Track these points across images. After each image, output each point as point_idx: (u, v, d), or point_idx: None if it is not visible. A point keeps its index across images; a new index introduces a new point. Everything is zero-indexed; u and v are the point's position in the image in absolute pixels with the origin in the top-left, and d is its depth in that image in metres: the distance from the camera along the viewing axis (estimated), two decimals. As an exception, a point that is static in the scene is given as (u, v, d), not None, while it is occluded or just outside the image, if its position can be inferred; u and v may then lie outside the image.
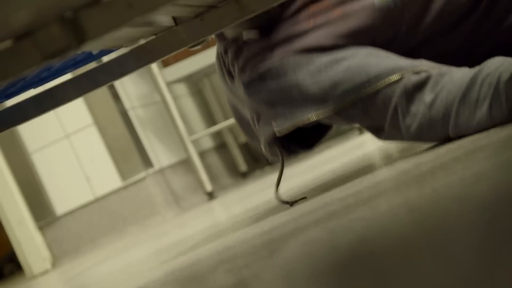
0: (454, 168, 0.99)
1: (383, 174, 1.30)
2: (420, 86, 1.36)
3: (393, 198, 1.02)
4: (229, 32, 1.53)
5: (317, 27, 1.49)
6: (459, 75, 1.33)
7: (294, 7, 1.52)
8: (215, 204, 3.40)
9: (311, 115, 1.43)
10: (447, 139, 1.36)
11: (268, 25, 1.52)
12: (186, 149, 3.83)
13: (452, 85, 1.32)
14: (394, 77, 1.38)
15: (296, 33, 1.50)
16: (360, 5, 1.48)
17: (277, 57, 1.49)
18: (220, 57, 1.62)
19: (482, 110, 1.27)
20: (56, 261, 3.90)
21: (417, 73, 1.37)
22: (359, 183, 1.33)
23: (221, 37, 1.59)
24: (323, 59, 1.45)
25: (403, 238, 0.78)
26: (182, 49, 1.27)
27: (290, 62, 1.47)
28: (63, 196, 3.89)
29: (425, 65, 1.39)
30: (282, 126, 1.46)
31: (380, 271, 0.68)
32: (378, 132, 1.46)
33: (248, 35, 1.52)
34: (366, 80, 1.39)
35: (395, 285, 0.61)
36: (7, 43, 0.85)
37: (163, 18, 1.12)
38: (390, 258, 0.71)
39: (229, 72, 1.59)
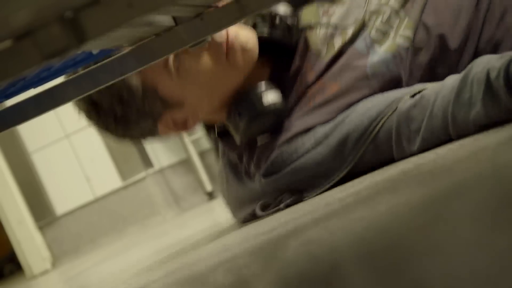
0: (455, 168, 0.99)
1: (383, 174, 1.30)
2: (415, 104, 1.37)
3: (393, 198, 1.02)
4: (240, 138, 1.57)
5: (316, 107, 1.52)
6: (451, 80, 1.34)
7: (292, 99, 1.56)
8: (215, 204, 3.40)
9: (335, 178, 1.44)
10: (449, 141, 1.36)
11: (277, 126, 1.54)
12: (186, 149, 3.82)
13: (446, 90, 1.33)
14: (392, 108, 1.39)
15: (299, 117, 1.53)
16: (354, 76, 1.51)
17: (284, 142, 1.52)
18: (234, 167, 1.64)
19: (476, 109, 1.28)
20: (56, 261, 3.90)
21: (412, 96, 1.39)
22: (359, 183, 1.33)
23: (233, 146, 1.63)
24: (326, 127, 1.47)
25: (403, 238, 0.78)
26: (182, 49, 1.27)
27: (298, 140, 1.49)
28: (63, 196, 3.89)
29: (419, 87, 1.41)
30: (312, 195, 1.47)
31: (380, 271, 0.68)
32: None
33: (262, 139, 1.56)
34: (369, 123, 1.40)
35: (395, 285, 0.61)
36: (7, 43, 0.85)
37: (163, 17, 1.12)
38: (390, 258, 0.71)
39: (247, 173, 1.61)
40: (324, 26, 1.58)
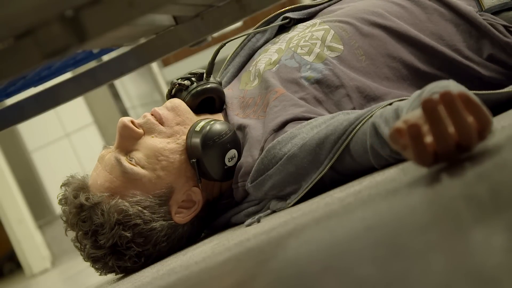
0: (455, 168, 0.99)
1: (383, 174, 1.30)
2: (381, 115, 1.36)
3: (393, 198, 1.02)
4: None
5: (271, 107, 1.57)
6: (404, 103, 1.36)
7: (234, 120, 1.65)
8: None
9: (313, 179, 1.43)
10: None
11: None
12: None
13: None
14: (368, 115, 1.38)
15: (248, 126, 1.60)
16: (291, 78, 1.59)
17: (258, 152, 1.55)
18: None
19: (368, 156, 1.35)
20: (55, 260, 3.90)
21: (384, 107, 1.38)
22: (359, 183, 1.33)
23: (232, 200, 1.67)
24: (303, 129, 1.47)
25: (403, 238, 0.78)
26: (182, 48, 1.27)
27: (275, 146, 1.50)
28: (63, 195, 3.88)
29: (392, 100, 1.42)
30: (293, 200, 1.47)
31: (381, 271, 0.68)
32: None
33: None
34: (348, 125, 1.39)
35: (395, 285, 0.61)
36: (8, 42, 0.85)
37: (163, 17, 1.12)
38: (391, 258, 0.71)
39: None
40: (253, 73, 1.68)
